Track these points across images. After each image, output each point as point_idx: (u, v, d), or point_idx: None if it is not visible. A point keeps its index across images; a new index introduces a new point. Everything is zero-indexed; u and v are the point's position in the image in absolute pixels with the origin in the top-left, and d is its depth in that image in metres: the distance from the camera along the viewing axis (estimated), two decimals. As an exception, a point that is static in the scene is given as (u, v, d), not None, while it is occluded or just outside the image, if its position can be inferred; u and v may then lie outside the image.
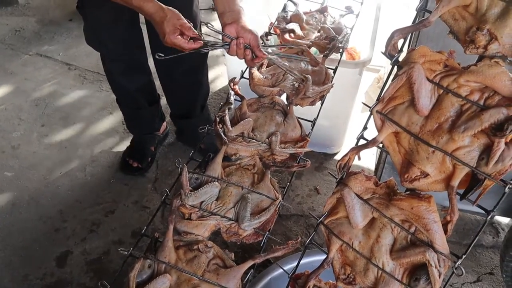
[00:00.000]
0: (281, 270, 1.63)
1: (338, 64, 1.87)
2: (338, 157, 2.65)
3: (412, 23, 1.15)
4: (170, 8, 1.48)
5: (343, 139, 2.63)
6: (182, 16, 1.46)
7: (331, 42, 1.89)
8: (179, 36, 1.45)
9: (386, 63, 2.72)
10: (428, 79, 1.06)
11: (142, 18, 2.16)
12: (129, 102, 2.42)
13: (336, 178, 1.22)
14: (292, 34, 1.95)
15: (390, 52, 1.13)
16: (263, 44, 1.71)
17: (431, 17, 1.05)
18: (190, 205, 1.28)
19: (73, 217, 2.33)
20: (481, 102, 1.00)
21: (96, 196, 2.43)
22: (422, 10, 1.16)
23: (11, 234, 2.24)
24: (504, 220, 2.33)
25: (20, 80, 3.15)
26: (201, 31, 2.26)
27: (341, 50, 1.92)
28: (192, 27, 1.47)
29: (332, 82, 1.73)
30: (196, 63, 2.31)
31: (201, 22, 1.64)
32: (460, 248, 2.16)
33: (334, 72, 1.81)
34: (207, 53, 2.35)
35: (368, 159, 2.53)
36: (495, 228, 2.31)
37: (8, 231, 2.26)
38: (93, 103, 2.99)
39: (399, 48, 1.15)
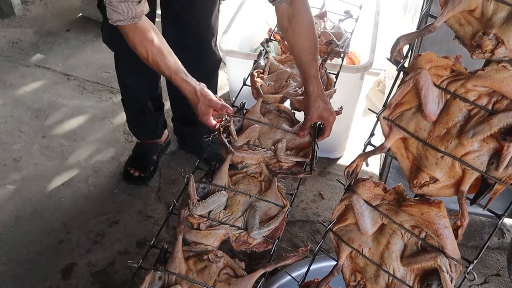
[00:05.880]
0: (288, 277, 1.63)
1: (340, 69, 1.87)
2: (341, 161, 2.65)
3: (417, 28, 1.15)
4: (203, 91, 1.58)
5: (346, 143, 2.63)
6: (212, 97, 1.58)
7: (329, 46, 1.89)
8: (211, 118, 1.59)
9: (387, 67, 2.73)
10: (435, 85, 1.07)
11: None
12: (135, 105, 2.42)
13: (344, 185, 1.22)
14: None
15: (396, 58, 1.14)
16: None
17: (436, 23, 1.05)
18: (199, 215, 1.28)
19: (77, 228, 2.32)
20: (490, 107, 1.00)
21: (99, 206, 2.42)
22: (426, 15, 1.16)
23: (15, 247, 2.23)
24: (509, 221, 2.33)
25: (20, 92, 3.14)
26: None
27: (342, 55, 1.92)
28: (221, 103, 1.58)
29: (335, 87, 1.73)
30: (209, 70, 2.32)
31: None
32: (466, 250, 2.16)
33: (336, 77, 1.81)
34: (220, 62, 2.36)
35: (372, 164, 2.52)
36: (501, 229, 2.31)
37: (12, 245, 2.24)
38: (93, 113, 2.98)
39: (404, 54, 1.15)
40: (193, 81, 1.58)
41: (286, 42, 1.72)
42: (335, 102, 1.78)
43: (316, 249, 1.24)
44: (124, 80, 2.34)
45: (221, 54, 2.35)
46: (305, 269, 1.27)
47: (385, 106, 1.15)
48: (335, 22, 2.11)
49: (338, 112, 1.59)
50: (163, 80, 2.32)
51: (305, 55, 1.54)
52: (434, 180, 1.07)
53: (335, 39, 1.93)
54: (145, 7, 1.47)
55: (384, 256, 1.13)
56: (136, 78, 2.27)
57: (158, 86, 2.42)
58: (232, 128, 1.48)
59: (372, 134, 1.23)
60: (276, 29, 2.03)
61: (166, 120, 2.62)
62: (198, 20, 2.13)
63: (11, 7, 3.81)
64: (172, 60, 1.56)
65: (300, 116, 1.61)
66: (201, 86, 1.59)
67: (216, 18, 2.19)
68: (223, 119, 1.57)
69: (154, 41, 1.52)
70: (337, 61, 2.00)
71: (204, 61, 2.24)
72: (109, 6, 1.42)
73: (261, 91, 1.62)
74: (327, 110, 1.53)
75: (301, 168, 1.50)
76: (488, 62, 1.03)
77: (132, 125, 2.59)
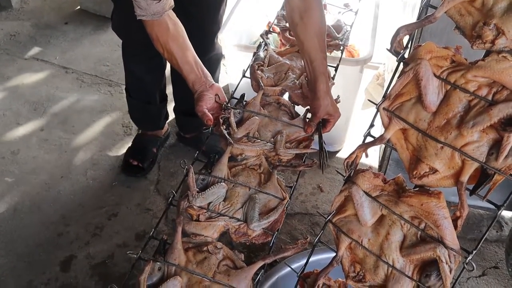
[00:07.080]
0: (288, 269, 1.63)
1: (339, 62, 1.87)
2: (340, 154, 2.65)
3: (417, 19, 1.15)
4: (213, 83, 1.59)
5: (345, 136, 2.63)
6: (202, 106, 1.57)
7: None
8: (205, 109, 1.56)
9: (386, 60, 2.72)
10: (435, 75, 1.06)
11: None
12: (141, 95, 2.41)
13: (344, 176, 1.22)
14: (292, 32, 1.94)
15: (396, 49, 1.13)
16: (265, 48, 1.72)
17: (437, 13, 1.04)
18: (198, 207, 1.28)
19: (76, 221, 2.32)
20: (490, 97, 1.00)
21: (98, 199, 2.42)
22: (427, 5, 1.16)
23: (14, 240, 2.23)
24: (508, 214, 2.34)
25: (17, 85, 3.13)
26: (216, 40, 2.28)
27: (341, 48, 1.92)
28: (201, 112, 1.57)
29: (334, 80, 1.73)
30: (211, 62, 2.30)
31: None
32: (465, 243, 2.16)
33: (336, 70, 1.81)
34: (222, 54, 2.35)
35: (371, 156, 2.52)
36: (499, 222, 2.32)
37: (10, 237, 2.24)
38: (91, 106, 2.98)
39: (404, 45, 1.15)
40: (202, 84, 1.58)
41: (294, 37, 1.70)
42: (334, 95, 1.78)
43: (316, 240, 1.24)
44: (131, 69, 2.33)
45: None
46: (304, 261, 1.27)
47: (385, 97, 1.15)
48: (335, 15, 2.11)
49: (336, 101, 1.59)
50: (167, 71, 2.32)
51: (316, 52, 1.49)
52: (434, 171, 1.07)
53: (334, 32, 1.92)
54: (167, 5, 1.47)
55: (383, 247, 1.13)
56: (143, 67, 2.26)
57: (164, 76, 2.41)
58: (232, 120, 1.47)
59: (371, 125, 1.23)
60: (275, 21, 2.02)
61: (168, 112, 2.61)
62: (206, 15, 2.13)
63: (9, 0, 3.79)
64: (185, 61, 1.56)
65: (299, 109, 1.60)
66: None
67: (223, 12, 2.19)
68: (223, 110, 1.56)
69: (172, 40, 1.53)
70: (336, 54, 2.00)
71: (208, 54, 2.24)
72: (134, 1, 1.45)
73: (262, 84, 1.62)
74: (334, 106, 1.53)
75: (301, 160, 1.49)
76: (488, 53, 1.02)
77: (135, 116, 2.58)
